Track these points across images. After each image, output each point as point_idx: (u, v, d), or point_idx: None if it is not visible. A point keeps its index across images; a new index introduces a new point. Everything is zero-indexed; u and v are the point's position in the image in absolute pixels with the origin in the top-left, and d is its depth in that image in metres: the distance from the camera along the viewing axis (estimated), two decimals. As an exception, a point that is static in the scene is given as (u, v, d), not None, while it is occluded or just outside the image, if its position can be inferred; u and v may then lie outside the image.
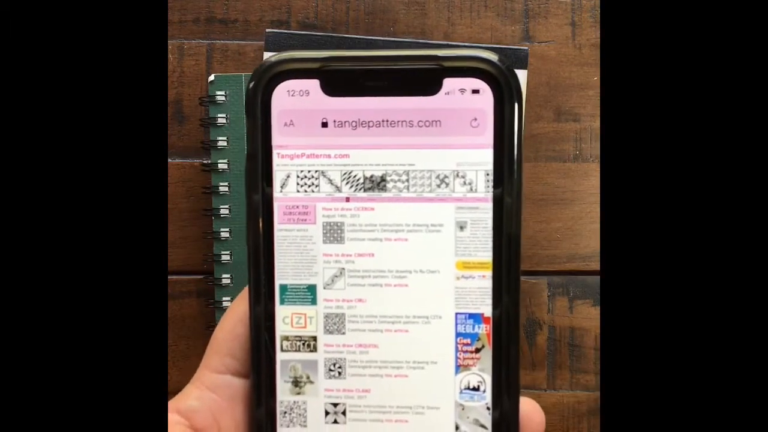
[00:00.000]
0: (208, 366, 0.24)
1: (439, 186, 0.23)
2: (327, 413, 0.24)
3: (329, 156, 0.23)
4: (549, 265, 0.43)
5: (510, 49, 0.42)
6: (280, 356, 0.24)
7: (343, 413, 0.24)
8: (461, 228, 0.23)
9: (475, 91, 0.22)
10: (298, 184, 0.23)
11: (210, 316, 0.43)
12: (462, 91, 0.22)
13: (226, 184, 0.42)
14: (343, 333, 0.23)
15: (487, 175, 0.23)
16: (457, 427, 0.23)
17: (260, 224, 0.23)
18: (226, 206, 0.42)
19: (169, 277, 0.43)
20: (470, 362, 0.23)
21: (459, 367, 0.23)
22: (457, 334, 0.23)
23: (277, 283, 0.23)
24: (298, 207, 0.23)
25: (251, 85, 0.23)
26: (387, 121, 0.23)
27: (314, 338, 0.24)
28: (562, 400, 0.43)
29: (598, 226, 0.43)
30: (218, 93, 0.42)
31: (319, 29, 0.43)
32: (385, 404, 0.23)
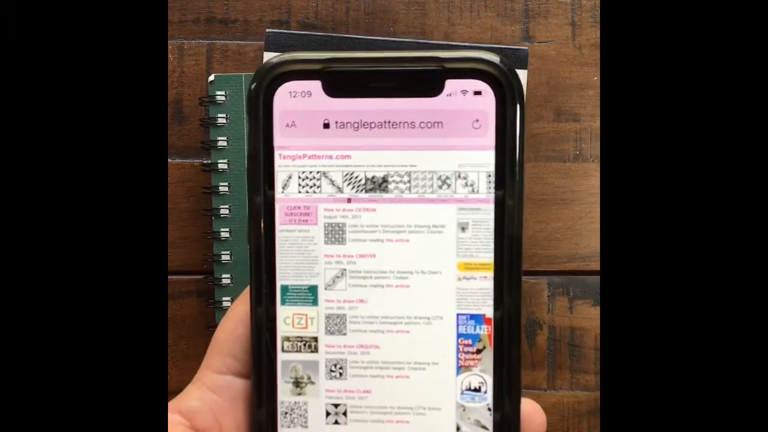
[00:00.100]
0: (209, 366, 0.24)
1: (440, 187, 0.23)
2: (328, 414, 0.24)
3: (331, 157, 0.23)
4: (549, 265, 0.43)
5: (510, 49, 0.42)
6: (281, 357, 0.24)
7: (344, 414, 0.24)
8: (463, 229, 0.23)
9: (477, 93, 0.22)
10: (299, 185, 0.23)
11: (210, 316, 0.43)
12: (464, 92, 0.22)
13: (226, 184, 0.42)
14: (344, 334, 0.23)
15: (489, 176, 0.23)
16: (458, 428, 0.23)
17: (262, 225, 0.23)
18: (226, 206, 0.42)
19: (169, 277, 0.43)
20: (471, 363, 0.23)
21: (460, 368, 0.23)
22: (459, 335, 0.23)
23: (279, 283, 0.23)
24: (299, 208, 0.23)
25: (253, 86, 0.23)
26: (389, 122, 0.23)
27: (315, 339, 0.24)
28: (562, 400, 0.43)
29: (598, 226, 0.43)
30: (218, 93, 0.42)
31: (319, 29, 0.43)
32: (386, 405, 0.23)
